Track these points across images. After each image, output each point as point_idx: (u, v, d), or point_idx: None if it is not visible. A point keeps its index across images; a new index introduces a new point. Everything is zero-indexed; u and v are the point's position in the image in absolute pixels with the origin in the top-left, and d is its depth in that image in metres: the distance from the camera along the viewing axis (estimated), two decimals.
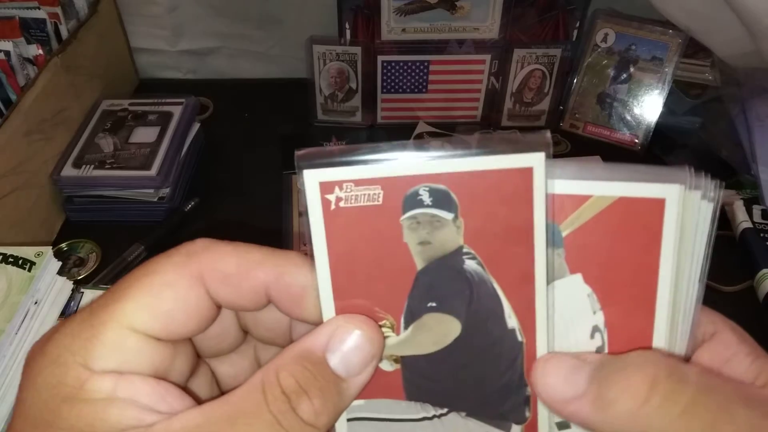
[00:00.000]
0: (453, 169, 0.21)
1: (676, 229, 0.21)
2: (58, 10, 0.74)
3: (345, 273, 0.22)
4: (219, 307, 0.23)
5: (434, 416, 0.23)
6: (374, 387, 0.22)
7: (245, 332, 0.26)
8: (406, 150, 0.21)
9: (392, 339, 0.23)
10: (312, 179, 0.21)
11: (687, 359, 0.22)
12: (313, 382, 0.20)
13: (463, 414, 0.23)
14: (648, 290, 0.22)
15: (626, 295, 0.22)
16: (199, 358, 0.25)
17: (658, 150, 0.81)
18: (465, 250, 0.22)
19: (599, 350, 0.22)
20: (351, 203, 0.21)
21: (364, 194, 0.21)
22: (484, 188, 0.21)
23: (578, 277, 0.22)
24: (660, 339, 0.22)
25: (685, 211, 0.21)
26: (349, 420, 0.23)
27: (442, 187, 0.21)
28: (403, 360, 0.23)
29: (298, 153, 0.21)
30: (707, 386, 0.19)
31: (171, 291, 0.21)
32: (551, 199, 0.22)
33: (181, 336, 0.22)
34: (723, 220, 0.70)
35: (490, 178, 0.21)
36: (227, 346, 0.25)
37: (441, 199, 0.21)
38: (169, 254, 0.22)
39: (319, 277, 0.22)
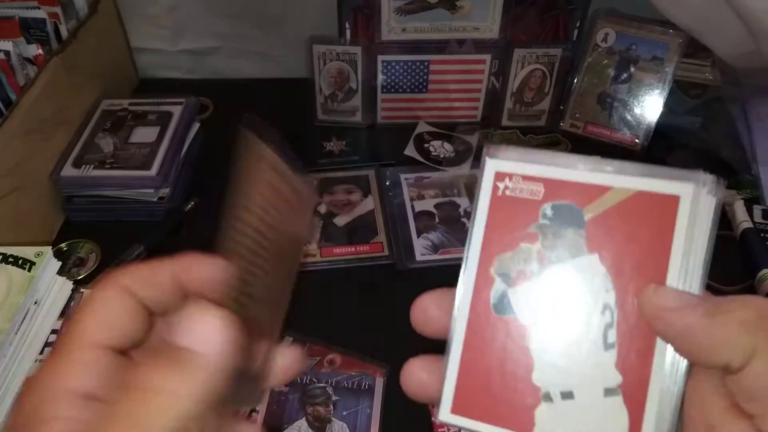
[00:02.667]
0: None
1: (688, 225, 0.23)
2: (58, 9, 0.73)
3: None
4: (151, 314, 0.26)
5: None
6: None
7: None
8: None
9: None
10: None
11: None
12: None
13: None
14: (658, 278, 0.24)
15: (637, 280, 0.24)
16: None
17: (659, 150, 0.81)
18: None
19: (608, 327, 0.24)
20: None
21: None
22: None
23: (595, 257, 0.24)
24: None
25: (694, 208, 0.23)
26: None
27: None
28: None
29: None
30: None
31: (110, 304, 0.24)
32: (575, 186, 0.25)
33: (134, 341, 0.25)
34: (723, 220, 0.70)
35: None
36: None
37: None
38: (100, 280, 0.25)
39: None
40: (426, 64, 0.82)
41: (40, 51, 0.71)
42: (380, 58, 0.81)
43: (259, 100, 0.91)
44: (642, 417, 0.23)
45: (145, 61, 0.94)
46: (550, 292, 0.25)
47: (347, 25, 0.81)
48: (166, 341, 0.23)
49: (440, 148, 0.82)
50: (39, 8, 0.73)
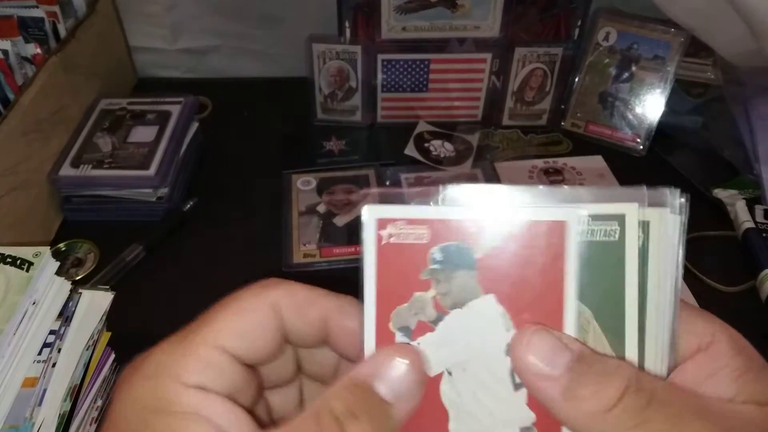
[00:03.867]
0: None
1: (576, 249, 0.23)
2: (57, 8, 0.73)
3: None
4: (286, 341, 0.25)
5: None
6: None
7: (298, 368, 0.28)
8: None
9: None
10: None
11: (670, 370, 0.23)
12: (361, 406, 0.22)
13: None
14: (555, 309, 0.23)
15: (535, 314, 0.23)
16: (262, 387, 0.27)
17: (660, 149, 0.80)
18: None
19: (512, 370, 0.24)
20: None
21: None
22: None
23: (491, 297, 0.24)
24: (631, 354, 0.23)
25: (652, 230, 0.22)
26: None
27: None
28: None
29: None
30: (666, 401, 0.21)
31: (253, 315, 0.24)
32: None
33: (258, 359, 0.24)
34: (725, 220, 0.70)
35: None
36: (284, 379, 0.28)
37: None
38: (247, 287, 0.24)
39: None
40: (426, 63, 0.81)
41: (39, 50, 0.70)
42: (380, 57, 0.81)
43: (258, 100, 0.90)
44: None
45: (144, 61, 0.93)
46: (451, 340, 0.24)
47: (347, 24, 0.80)
48: (362, 378, 0.22)
49: (440, 147, 0.82)
50: (37, 7, 0.73)
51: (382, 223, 0.24)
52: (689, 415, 0.21)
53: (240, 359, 0.23)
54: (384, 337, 0.24)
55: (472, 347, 0.24)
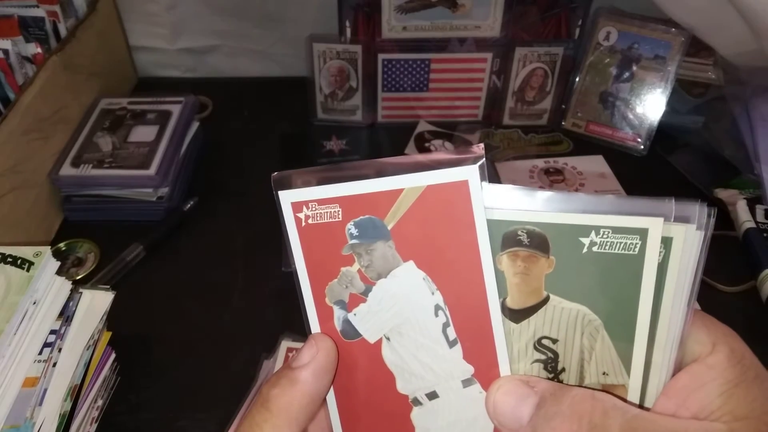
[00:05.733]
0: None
1: (481, 204, 0.23)
2: (57, 8, 0.73)
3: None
4: None
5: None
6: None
7: None
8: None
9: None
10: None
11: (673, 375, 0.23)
12: (274, 377, 0.26)
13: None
14: (473, 265, 0.24)
15: (455, 272, 0.24)
16: None
17: (661, 149, 0.80)
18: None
19: (446, 326, 0.25)
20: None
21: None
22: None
23: (411, 264, 0.24)
24: (637, 366, 0.23)
25: (674, 246, 0.22)
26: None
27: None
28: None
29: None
30: None
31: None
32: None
33: None
34: (726, 220, 0.70)
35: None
36: None
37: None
38: (261, 419, 0.25)
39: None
40: (427, 62, 0.81)
41: (39, 50, 0.70)
42: (381, 56, 0.81)
43: (258, 99, 0.90)
44: None
45: (144, 60, 0.93)
46: (383, 309, 0.25)
47: (347, 24, 0.80)
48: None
49: (441, 147, 0.82)
50: (38, 7, 0.73)
51: (297, 207, 0.25)
52: None
53: None
54: (324, 313, 0.26)
55: (403, 313, 0.25)
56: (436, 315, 0.25)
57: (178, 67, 0.94)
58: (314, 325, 0.26)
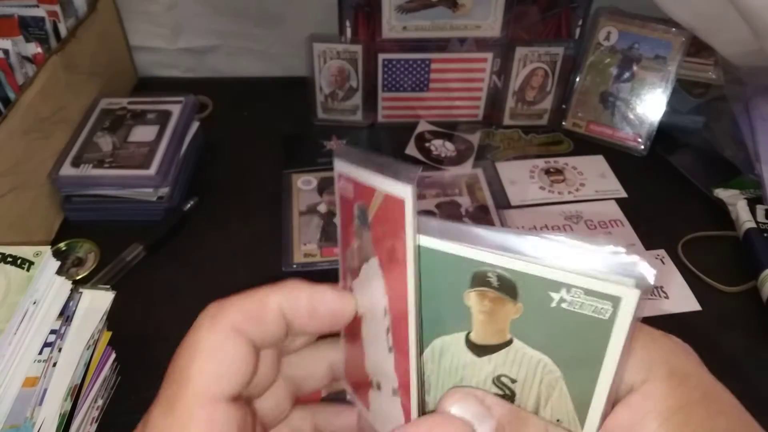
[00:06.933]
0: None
1: (414, 229, 0.22)
2: (57, 8, 0.73)
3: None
4: (258, 352, 0.25)
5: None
6: None
7: (294, 404, 0.29)
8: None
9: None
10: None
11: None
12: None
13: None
14: (401, 278, 0.23)
15: (393, 287, 0.24)
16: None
17: (661, 149, 0.80)
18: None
19: (387, 330, 0.24)
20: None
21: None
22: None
23: (375, 260, 0.25)
24: (593, 419, 0.23)
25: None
26: None
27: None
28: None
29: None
30: None
31: (222, 349, 0.23)
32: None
33: (244, 387, 0.24)
34: (727, 220, 0.70)
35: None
36: (281, 415, 0.29)
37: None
38: (198, 324, 0.24)
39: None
40: (427, 62, 0.81)
41: (39, 49, 0.70)
42: (381, 56, 0.81)
43: (258, 99, 0.90)
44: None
45: (144, 60, 0.93)
46: (363, 290, 0.26)
47: (347, 24, 0.80)
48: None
49: (441, 147, 0.81)
50: (38, 6, 0.72)
51: (338, 177, 0.27)
52: None
53: (233, 396, 0.23)
54: (344, 271, 0.28)
55: (371, 301, 0.25)
56: (384, 317, 0.25)
57: (178, 67, 0.94)
58: (342, 275, 0.28)
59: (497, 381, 0.24)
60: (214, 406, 0.22)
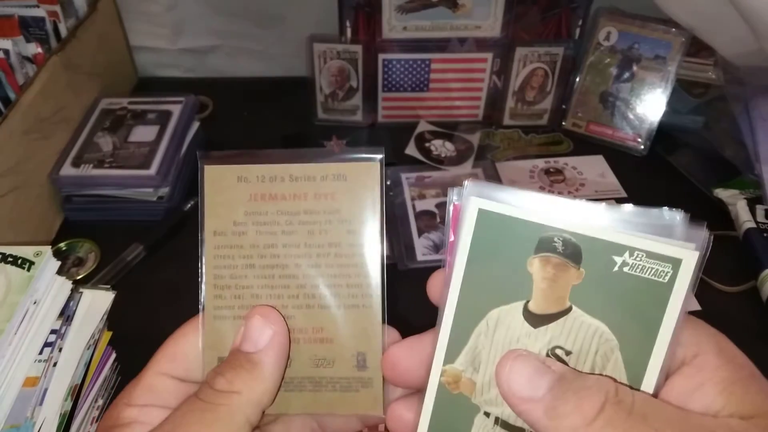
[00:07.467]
0: None
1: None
2: (58, 8, 0.73)
3: None
4: None
5: None
6: None
7: None
8: None
9: None
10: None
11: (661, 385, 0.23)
12: (226, 365, 0.27)
13: None
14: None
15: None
16: None
17: (661, 149, 0.80)
18: None
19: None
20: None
21: None
22: None
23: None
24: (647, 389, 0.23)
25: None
26: None
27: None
28: None
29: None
30: (647, 414, 0.21)
31: (184, 339, 0.29)
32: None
33: (196, 376, 0.29)
34: (726, 220, 0.70)
35: None
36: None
37: None
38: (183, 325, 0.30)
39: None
40: (427, 62, 0.81)
41: (39, 50, 0.70)
42: (381, 56, 0.81)
43: (258, 99, 0.90)
44: None
45: (145, 60, 0.93)
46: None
47: (348, 24, 0.80)
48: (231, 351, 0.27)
49: (441, 147, 0.81)
50: (38, 7, 0.73)
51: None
52: (670, 428, 0.20)
53: (180, 378, 0.28)
54: None
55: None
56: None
57: (178, 67, 0.94)
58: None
59: (552, 353, 0.24)
60: (159, 378, 0.28)
